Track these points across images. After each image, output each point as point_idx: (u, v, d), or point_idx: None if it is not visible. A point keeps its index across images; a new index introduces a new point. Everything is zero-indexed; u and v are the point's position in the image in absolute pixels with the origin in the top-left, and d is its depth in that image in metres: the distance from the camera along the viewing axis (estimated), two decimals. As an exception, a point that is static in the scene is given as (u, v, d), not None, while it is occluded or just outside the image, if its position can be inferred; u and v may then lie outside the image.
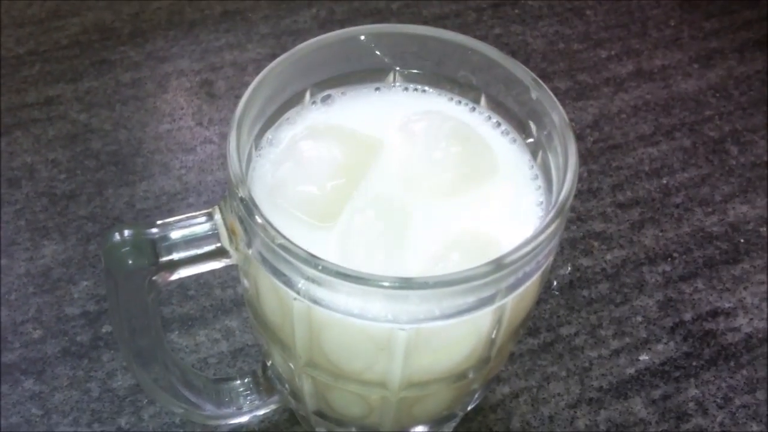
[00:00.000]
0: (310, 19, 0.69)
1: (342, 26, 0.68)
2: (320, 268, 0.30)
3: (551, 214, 0.32)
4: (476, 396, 0.43)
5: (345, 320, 0.32)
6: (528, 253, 0.31)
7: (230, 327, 0.50)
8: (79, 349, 0.49)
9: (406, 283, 0.30)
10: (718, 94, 0.65)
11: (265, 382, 0.44)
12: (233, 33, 0.67)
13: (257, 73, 0.63)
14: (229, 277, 0.52)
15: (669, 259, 0.55)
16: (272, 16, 0.69)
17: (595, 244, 0.55)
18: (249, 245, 0.33)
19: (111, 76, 0.64)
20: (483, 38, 0.65)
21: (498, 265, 0.30)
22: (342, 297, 0.31)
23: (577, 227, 0.56)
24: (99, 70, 0.64)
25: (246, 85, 0.63)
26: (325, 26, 0.68)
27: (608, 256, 0.55)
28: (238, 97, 0.62)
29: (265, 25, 0.68)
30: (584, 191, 0.57)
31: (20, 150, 0.59)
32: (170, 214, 0.55)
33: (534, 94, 0.37)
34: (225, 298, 0.51)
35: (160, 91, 0.63)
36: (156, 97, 0.63)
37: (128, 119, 0.61)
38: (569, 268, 0.54)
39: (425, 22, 0.67)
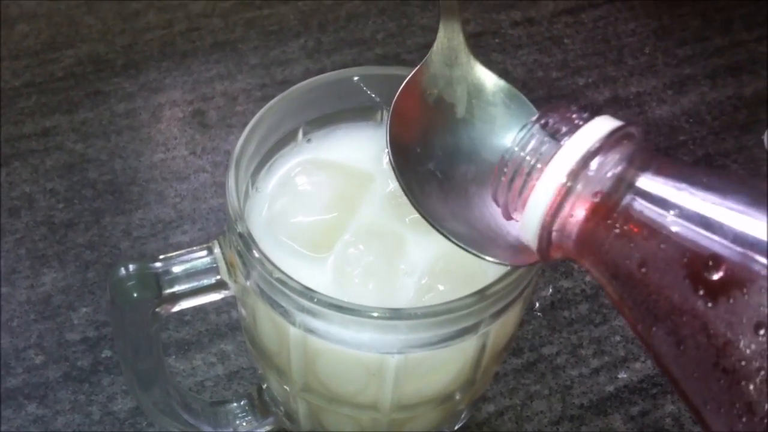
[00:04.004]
0: (298, 50, 0.71)
1: (329, 56, 0.71)
2: (315, 300, 0.32)
3: (531, 247, 0.34)
4: (463, 416, 0.45)
5: (338, 348, 0.34)
6: (510, 284, 0.33)
7: (226, 351, 0.52)
8: (80, 373, 0.51)
9: (396, 314, 0.32)
10: (691, 120, 0.68)
11: (261, 405, 0.46)
12: (224, 63, 0.70)
13: (248, 103, 0.66)
14: (223, 302, 0.53)
15: (645, 280, 0.57)
16: (261, 47, 0.71)
17: (575, 266, 0.57)
18: (247, 277, 0.35)
19: (106, 106, 0.66)
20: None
21: (482, 296, 0.32)
22: (335, 327, 0.33)
23: (558, 250, 0.58)
24: (94, 101, 0.66)
25: (237, 114, 0.66)
26: (312, 56, 0.70)
27: (587, 278, 0.57)
28: (230, 126, 0.65)
29: (254, 55, 0.70)
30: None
31: (19, 180, 0.61)
32: (166, 241, 0.57)
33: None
34: (220, 323, 0.53)
35: (154, 121, 0.65)
36: (150, 127, 0.65)
37: (123, 149, 0.63)
38: (550, 290, 0.56)
39: (409, 52, 0.70)
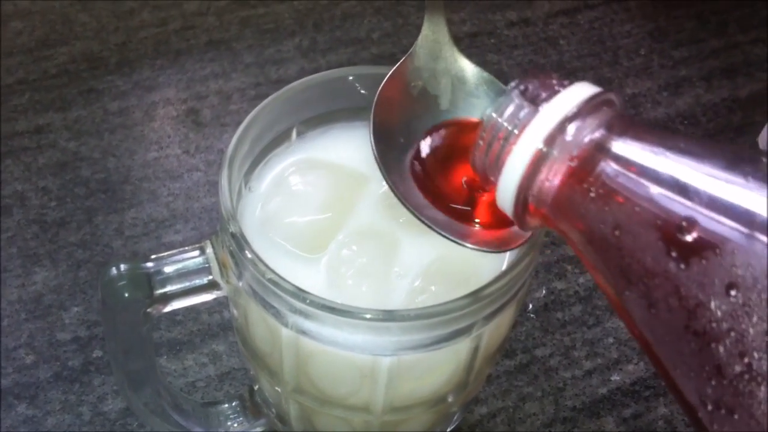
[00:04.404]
0: (293, 49, 0.71)
1: (324, 55, 0.70)
2: (308, 301, 0.32)
3: (525, 248, 0.34)
4: (455, 418, 0.45)
5: (331, 350, 0.34)
6: (504, 286, 0.33)
7: (217, 351, 0.52)
8: (71, 373, 0.50)
9: (389, 316, 0.32)
10: (686, 121, 0.68)
11: (252, 406, 0.46)
12: (218, 62, 0.69)
13: (242, 102, 0.66)
14: (215, 302, 0.53)
15: (639, 282, 0.57)
16: (256, 46, 0.71)
17: (569, 267, 0.57)
18: (239, 278, 0.35)
19: (99, 104, 0.66)
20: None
21: (475, 297, 0.32)
22: (328, 328, 0.33)
23: (551, 251, 0.58)
24: (87, 98, 0.66)
25: (231, 113, 0.65)
26: (307, 55, 0.70)
27: (581, 280, 0.57)
28: (224, 125, 0.64)
29: (249, 54, 0.70)
30: (558, 216, 0.60)
31: (11, 178, 0.60)
32: (158, 240, 0.57)
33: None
34: (212, 323, 0.53)
35: (148, 119, 0.65)
36: (143, 126, 0.64)
37: (116, 147, 0.63)
38: (544, 291, 0.56)
39: (405, 51, 0.69)
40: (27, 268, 0.55)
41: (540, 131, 0.29)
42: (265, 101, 0.38)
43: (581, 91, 0.29)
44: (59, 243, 0.57)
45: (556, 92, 0.29)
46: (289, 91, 0.39)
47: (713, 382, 0.24)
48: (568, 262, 0.58)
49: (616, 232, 0.27)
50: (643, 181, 0.27)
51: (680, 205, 0.25)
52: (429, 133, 0.36)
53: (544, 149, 0.28)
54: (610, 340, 0.54)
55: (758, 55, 0.73)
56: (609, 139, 0.28)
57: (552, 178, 0.29)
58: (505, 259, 0.38)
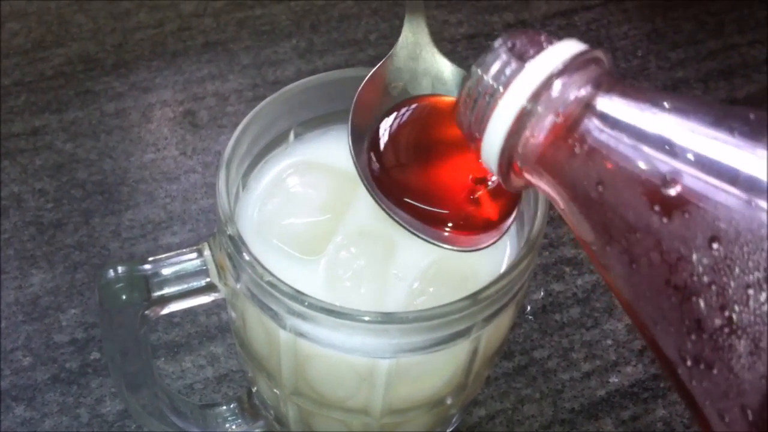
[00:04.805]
0: (290, 50, 0.71)
1: (321, 56, 0.70)
2: (306, 304, 0.32)
3: (523, 251, 0.34)
4: (454, 420, 0.45)
5: (329, 352, 0.34)
6: (502, 288, 0.33)
7: (215, 353, 0.52)
8: (69, 375, 0.50)
9: (387, 318, 0.32)
10: (684, 123, 0.68)
11: (250, 408, 0.45)
12: (215, 63, 0.69)
13: (239, 103, 0.66)
14: (213, 304, 0.53)
15: (637, 283, 0.57)
16: (253, 47, 0.71)
17: (567, 269, 0.57)
18: (237, 280, 0.35)
19: (96, 106, 0.65)
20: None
21: (474, 300, 0.32)
22: (326, 330, 0.33)
23: (549, 253, 0.58)
24: (84, 100, 0.66)
25: (228, 114, 0.65)
26: (304, 57, 0.70)
27: (579, 281, 0.57)
28: (221, 126, 0.64)
29: (246, 55, 0.70)
30: (556, 218, 0.59)
31: (8, 180, 0.60)
32: (155, 242, 0.57)
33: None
34: (210, 325, 0.53)
35: (144, 121, 0.65)
36: (140, 127, 0.64)
37: (113, 149, 0.63)
38: (542, 293, 0.56)
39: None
40: (24, 270, 0.55)
41: (526, 87, 0.28)
42: (263, 103, 0.38)
43: (569, 47, 0.29)
44: (56, 245, 0.57)
45: (543, 49, 0.29)
46: (286, 92, 0.39)
47: (693, 337, 0.24)
48: (566, 264, 0.57)
49: (600, 188, 0.27)
50: (628, 136, 0.27)
51: (665, 160, 0.25)
52: (391, 132, 0.36)
53: (530, 106, 0.28)
54: (609, 342, 0.54)
55: (756, 57, 0.73)
56: (595, 96, 0.28)
57: (537, 134, 0.28)
58: (503, 261, 0.38)
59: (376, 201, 0.35)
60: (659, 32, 0.75)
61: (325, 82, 0.40)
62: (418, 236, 0.34)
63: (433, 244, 0.34)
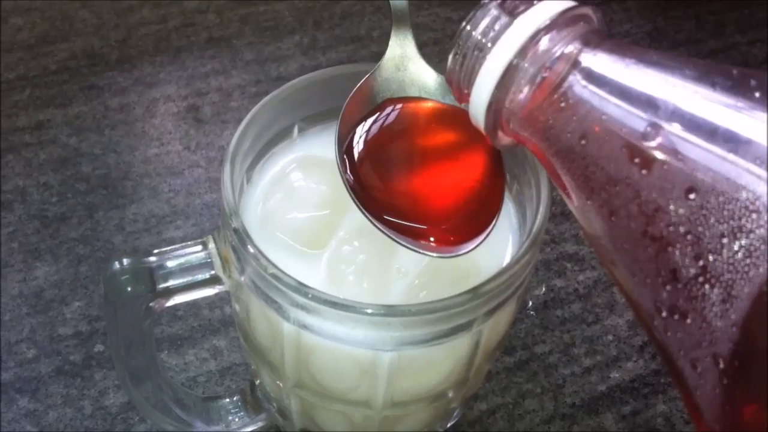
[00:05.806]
0: (294, 46, 0.71)
1: (324, 53, 0.71)
2: (309, 296, 0.32)
3: (525, 246, 0.34)
4: (455, 414, 0.45)
5: (332, 344, 0.34)
6: (503, 282, 0.33)
7: (218, 346, 0.52)
8: (72, 368, 0.51)
9: (389, 311, 0.32)
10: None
11: (253, 401, 0.46)
12: (219, 59, 0.70)
13: (242, 99, 0.66)
14: (216, 297, 0.53)
15: (638, 280, 0.57)
16: (256, 43, 0.71)
17: (568, 265, 0.58)
18: (241, 273, 0.35)
19: (100, 101, 0.66)
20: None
21: (475, 293, 0.33)
22: (329, 323, 0.33)
23: (551, 249, 0.58)
24: (88, 95, 0.66)
25: (231, 110, 0.65)
26: (307, 53, 0.70)
27: (580, 277, 0.57)
28: (224, 122, 0.65)
29: (249, 51, 0.70)
30: (557, 214, 0.60)
31: (12, 173, 0.60)
32: (159, 236, 0.57)
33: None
34: (213, 318, 0.53)
35: (148, 115, 0.65)
36: (144, 122, 0.65)
37: (117, 143, 0.63)
38: (543, 289, 0.56)
39: (405, 49, 0.69)
40: (28, 263, 0.56)
41: (513, 42, 0.29)
42: (267, 98, 0.38)
43: (558, 4, 0.29)
44: (60, 238, 0.57)
45: (533, 4, 0.29)
46: (290, 88, 0.39)
47: (668, 287, 0.25)
48: (567, 260, 0.58)
49: (583, 142, 0.27)
50: (612, 91, 0.27)
51: (646, 114, 0.26)
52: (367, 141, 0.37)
53: (517, 60, 0.28)
54: (610, 337, 0.54)
55: (756, 56, 0.74)
56: (581, 52, 0.28)
57: (524, 89, 0.29)
58: (505, 257, 0.38)
59: (362, 211, 0.35)
60: (660, 31, 0.75)
61: (328, 78, 0.40)
62: (405, 246, 0.34)
63: (420, 253, 0.34)
